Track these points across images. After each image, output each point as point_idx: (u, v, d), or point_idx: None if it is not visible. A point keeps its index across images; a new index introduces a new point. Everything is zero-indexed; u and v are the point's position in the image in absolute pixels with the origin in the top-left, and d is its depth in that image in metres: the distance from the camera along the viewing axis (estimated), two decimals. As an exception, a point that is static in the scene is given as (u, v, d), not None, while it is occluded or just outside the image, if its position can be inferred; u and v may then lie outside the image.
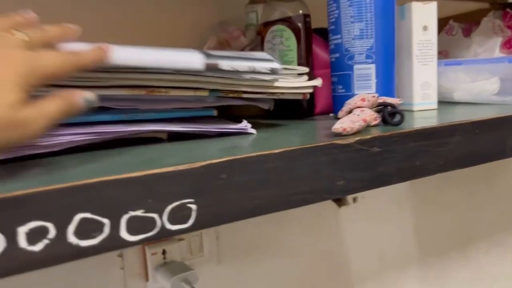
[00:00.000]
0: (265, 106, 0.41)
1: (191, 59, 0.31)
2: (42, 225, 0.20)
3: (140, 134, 0.34)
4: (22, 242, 0.19)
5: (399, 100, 0.38)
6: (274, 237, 0.69)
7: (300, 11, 0.46)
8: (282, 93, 0.38)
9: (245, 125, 0.36)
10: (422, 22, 0.46)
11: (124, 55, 0.29)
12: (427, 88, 0.47)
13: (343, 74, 0.42)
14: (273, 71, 0.35)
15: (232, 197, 0.25)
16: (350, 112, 0.34)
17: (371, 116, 0.32)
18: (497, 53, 0.66)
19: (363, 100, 0.34)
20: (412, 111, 0.47)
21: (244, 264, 0.66)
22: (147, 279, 0.58)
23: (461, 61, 0.52)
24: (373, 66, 0.41)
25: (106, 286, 0.55)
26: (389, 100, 0.37)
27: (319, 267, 0.74)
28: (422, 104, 0.47)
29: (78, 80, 0.29)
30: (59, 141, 0.29)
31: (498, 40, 0.66)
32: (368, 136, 0.30)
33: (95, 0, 0.53)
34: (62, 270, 0.52)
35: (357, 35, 0.41)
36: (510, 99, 0.50)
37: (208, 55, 0.32)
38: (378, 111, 0.35)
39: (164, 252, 0.58)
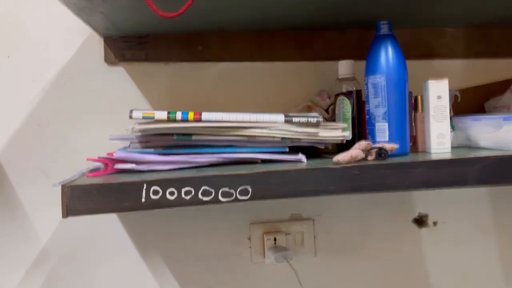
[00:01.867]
0: (321, 146, 0.69)
1: (278, 117, 0.63)
2: (190, 189, 0.54)
3: (245, 159, 0.66)
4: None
5: (396, 146, 0.62)
6: (362, 242, 0.92)
7: (354, 88, 0.74)
8: (326, 139, 0.66)
9: (300, 156, 0.65)
10: (436, 93, 0.68)
11: (241, 117, 0.62)
12: (442, 138, 0.68)
13: (370, 128, 0.68)
14: (317, 123, 0.64)
15: (270, 187, 0.55)
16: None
17: (357, 154, 0.58)
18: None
19: (359, 145, 0.60)
20: (431, 153, 0.68)
21: (334, 259, 0.92)
22: (264, 256, 0.90)
23: (479, 117, 0.70)
24: (386, 124, 0.65)
25: (240, 258, 0.89)
26: (386, 145, 0.61)
27: (399, 274, 0.93)
28: (438, 148, 0.68)
29: (211, 133, 0.63)
30: (206, 160, 0.63)
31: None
32: (351, 165, 0.56)
33: (222, 79, 0.89)
34: (212, 244, 0.88)
35: (376, 105, 0.66)
36: None
37: (287, 115, 0.64)
38: (374, 152, 0.60)
39: (275, 240, 0.89)
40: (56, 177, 0.85)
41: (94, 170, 0.64)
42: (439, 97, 0.68)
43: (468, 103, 0.90)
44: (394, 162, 0.58)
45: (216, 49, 0.88)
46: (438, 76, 0.92)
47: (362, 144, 0.60)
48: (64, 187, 0.50)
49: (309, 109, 0.81)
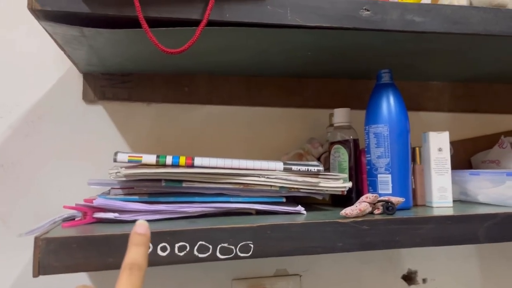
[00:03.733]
0: (319, 197, 0.64)
1: (277, 164, 0.59)
2: (185, 244, 0.47)
3: (239, 210, 0.60)
4: (176, 250, 0.47)
5: (402, 199, 0.58)
6: (348, 302, 0.86)
7: (351, 137, 0.71)
8: (326, 190, 0.62)
9: (299, 208, 0.60)
10: (437, 145, 0.66)
11: (237, 163, 0.57)
12: (443, 191, 0.65)
13: (372, 180, 0.64)
14: (318, 172, 0.60)
15: (272, 243, 0.49)
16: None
17: (365, 208, 0.54)
18: (541, 164, 0.78)
19: (366, 197, 0.56)
20: (432, 207, 0.65)
21: (321, 320, 0.85)
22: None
23: (478, 172, 0.69)
24: (389, 176, 0.62)
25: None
26: (392, 198, 0.58)
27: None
28: (439, 202, 0.65)
29: (204, 180, 0.58)
30: (197, 210, 0.57)
31: (542, 153, 0.79)
32: (360, 219, 0.52)
33: (209, 122, 0.85)
34: (195, 276, 0.79)
35: (379, 156, 0.63)
36: None
37: (286, 163, 0.59)
38: (381, 205, 0.57)
39: (259, 298, 0.82)
40: (15, 225, 0.75)
41: (69, 219, 0.56)
42: (440, 149, 0.66)
43: (456, 157, 0.90)
44: (404, 217, 0.54)
45: (204, 91, 0.84)
46: (426, 128, 0.92)
47: (369, 197, 0.56)
48: (38, 239, 0.43)
49: (300, 157, 0.77)
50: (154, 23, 0.50)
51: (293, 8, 0.53)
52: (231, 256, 0.48)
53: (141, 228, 0.40)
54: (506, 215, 0.56)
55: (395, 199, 0.58)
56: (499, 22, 0.59)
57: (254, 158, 0.84)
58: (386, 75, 0.65)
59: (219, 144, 0.84)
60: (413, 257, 0.90)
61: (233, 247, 0.48)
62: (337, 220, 0.52)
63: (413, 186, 0.70)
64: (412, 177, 0.70)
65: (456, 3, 0.63)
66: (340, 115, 0.72)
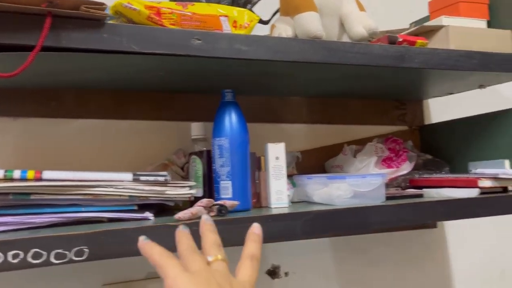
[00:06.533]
0: (171, 204, 0.71)
1: (126, 175, 0.64)
2: (18, 252, 0.51)
3: (90, 218, 0.65)
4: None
5: (236, 202, 0.67)
6: None
7: (205, 148, 0.79)
8: (175, 197, 0.69)
9: (147, 214, 0.66)
10: (275, 154, 0.76)
11: (86, 176, 0.62)
12: (280, 194, 0.76)
13: (216, 186, 0.73)
14: (166, 181, 0.67)
15: (107, 247, 0.55)
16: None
17: (198, 211, 0.62)
18: (372, 168, 0.93)
19: (201, 202, 0.64)
20: (271, 208, 0.75)
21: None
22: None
23: (311, 176, 0.80)
24: (230, 182, 0.71)
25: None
26: (227, 202, 0.66)
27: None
28: (277, 203, 0.76)
29: (53, 192, 0.62)
30: (44, 221, 0.61)
31: (374, 159, 0.93)
32: (191, 222, 0.60)
33: (78, 137, 0.89)
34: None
35: (221, 165, 0.72)
36: (358, 201, 0.74)
37: (135, 174, 0.65)
38: (216, 209, 0.65)
39: (129, 301, 0.87)
40: None
41: None
42: (277, 157, 0.76)
43: (311, 163, 1.02)
44: (231, 218, 0.63)
45: (72, 105, 0.87)
46: (285, 138, 1.03)
47: (203, 201, 0.64)
48: None
49: (165, 167, 0.84)
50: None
51: (130, 36, 0.60)
52: (65, 260, 0.53)
53: (257, 229, 0.54)
54: (318, 212, 0.67)
55: (229, 203, 0.66)
56: (316, 52, 0.70)
57: (123, 170, 0.89)
58: (229, 94, 0.75)
59: (88, 157, 0.87)
60: (277, 253, 1.00)
61: (67, 252, 0.53)
62: (168, 223, 0.59)
63: (259, 191, 0.80)
64: (258, 183, 0.80)
65: (284, 35, 0.73)
66: (196, 129, 0.80)
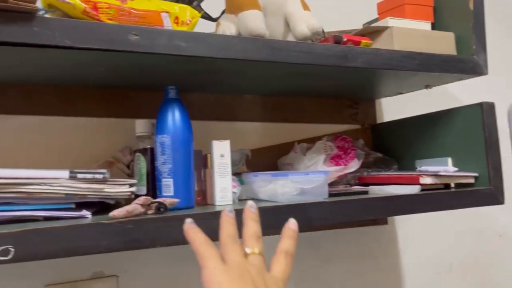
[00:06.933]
0: (111, 202, 0.70)
1: (62, 173, 0.63)
2: None
3: (23, 217, 0.64)
4: None
5: (176, 200, 0.67)
6: None
7: (149, 146, 0.78)
8: (114, 195, 0.68)
9: (84, 213, 0.65)
10: (220, 152, 0.76)
11: (19, 173, 0.60)
12: (225, 191, 0.76)
13: (158, 184, 0.72)
14: (104, 179, 0.66)
15: (35, 246, 0.54)
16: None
17: (134, 209, 0.61)
18: (321, 166, 0.94)
19: (138, 200, 0.63)
20: (215, 205, 0.75)
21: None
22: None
23: (257, 174, 0.81)
24: (171, 180, 0.70)
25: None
26: (167, 200, 0.66)
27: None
28: (221, 201, 0.75)
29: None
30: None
31: (322, 157, 0.94)
32: (126, 219, 0.59)
33: (21, 133, 0.87)
34: None
35: (163, 162, 0.71)
36: (303, 198, 0.75)
37: (72, 172, 0.64)
38: (155, 206, 0.64)
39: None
40: None
41: None
42: (222, 155, 0.76)
43: (264, 160, 1.02)
44: (171, 215, 0.62)
45: (15, 101, 0.84)
46: (239, 136, 1.04)
47: (141, 199, 0.63)
48: None
49: (110, 164, 0.83)
50: None
51: (62, 30, 0.58)
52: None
53: (294, 225, 0.54)
54: (259, 209, 0.67)
55: (169, 200, 0.66)
56: (258, 50, 0.70)
57: (68, 168, 0.87)
58: (172, 91, 0.74)
59: (31, 155, 0.85)
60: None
61: None
62: (101, 221, 0.58)
63: (204, 188, 0.80)
64: (204, 180, 0.80)
65: (228, 33, 0.73)
66: (140, 126, 0.79)
